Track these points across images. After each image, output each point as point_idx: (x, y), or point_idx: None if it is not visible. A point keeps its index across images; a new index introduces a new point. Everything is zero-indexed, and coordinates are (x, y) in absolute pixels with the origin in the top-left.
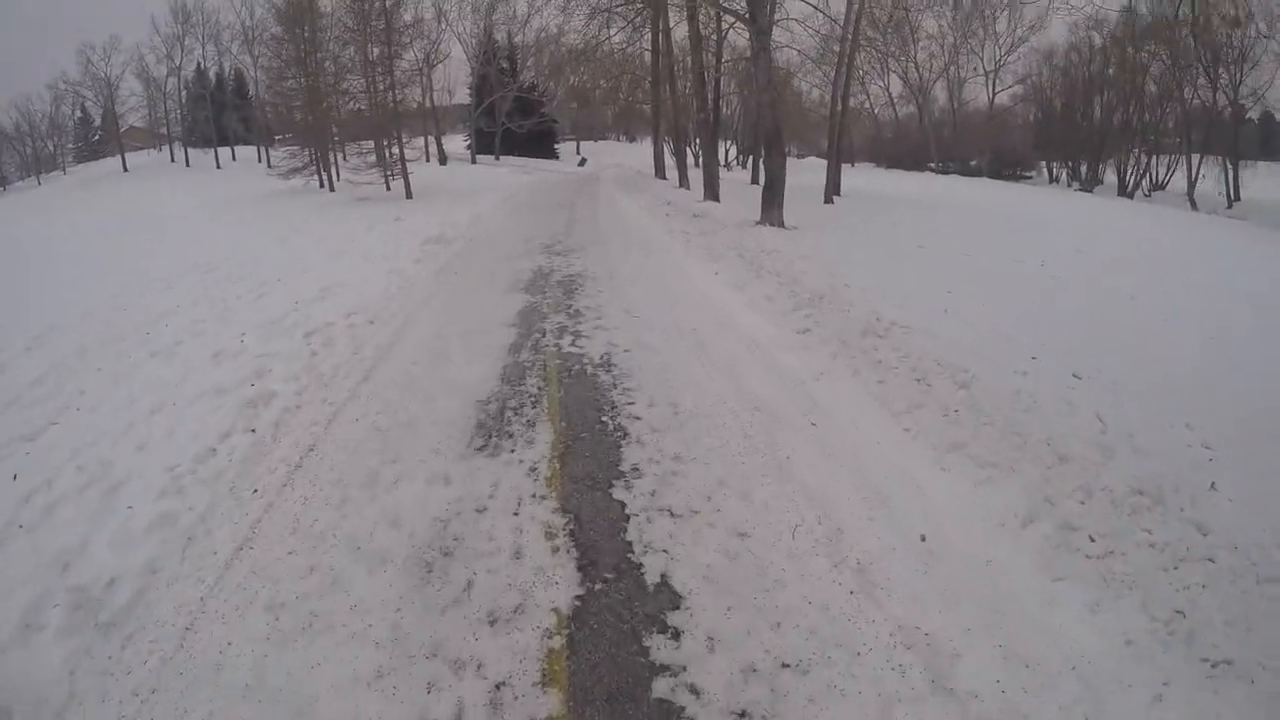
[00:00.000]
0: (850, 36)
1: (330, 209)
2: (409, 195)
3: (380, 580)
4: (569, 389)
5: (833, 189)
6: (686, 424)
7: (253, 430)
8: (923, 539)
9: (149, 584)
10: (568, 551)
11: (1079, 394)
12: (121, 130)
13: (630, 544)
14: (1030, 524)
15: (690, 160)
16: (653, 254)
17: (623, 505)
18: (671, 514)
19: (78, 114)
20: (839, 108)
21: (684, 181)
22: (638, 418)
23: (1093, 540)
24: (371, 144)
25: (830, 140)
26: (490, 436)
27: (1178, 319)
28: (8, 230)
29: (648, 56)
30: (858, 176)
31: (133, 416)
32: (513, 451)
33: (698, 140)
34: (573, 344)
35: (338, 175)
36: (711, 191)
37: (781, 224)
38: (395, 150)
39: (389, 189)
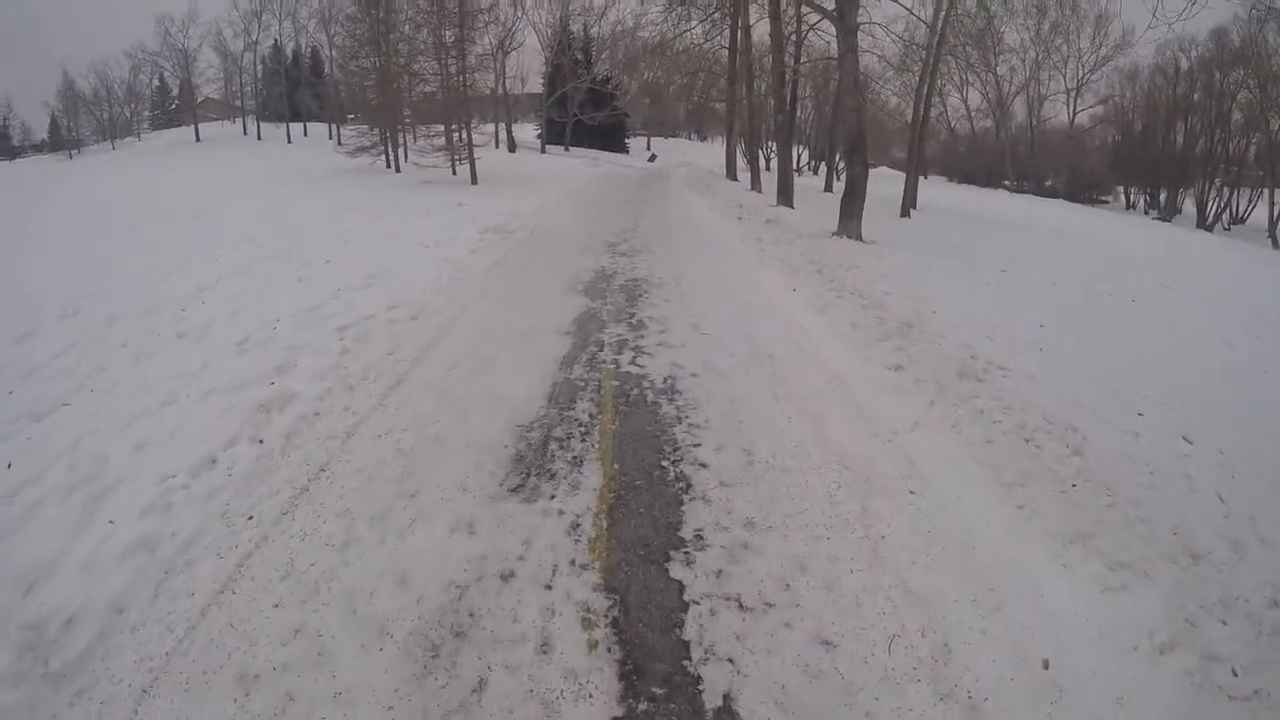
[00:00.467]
0: (936, 43)
1: (392, 190)
2: (474, 181)
3: (375, 660)
4: (625, 419)
5: (910, 202)
6: (761, 479)
7: (260, 441)
8: (1045, 665)
9: (112, 626)
10: (609, 650)
11: (1194, 464)
12: (198, 101)
13: (688, 645)
14: (1168, 651)
15: (762, 163)
16: (724, 260)
17: (681, 588)
18: (740, 605)
19: (155, 83)
20: (920, 117)
21: (756, 184)
22: (704, 465)
23: (1236, 675)
24: (440, 127)
25: (910, 151)
26: (529, 474)
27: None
28: (75, 190)
29: (724, 55)
30: (930, 190)
31: (143, 406)
32: (553, 498)
33: (770, 143)
34: (633, 362)
35: (405, 157)
36: (785, 197)
37: (860, 237)
38: (463, 135)
39: (455, 173)
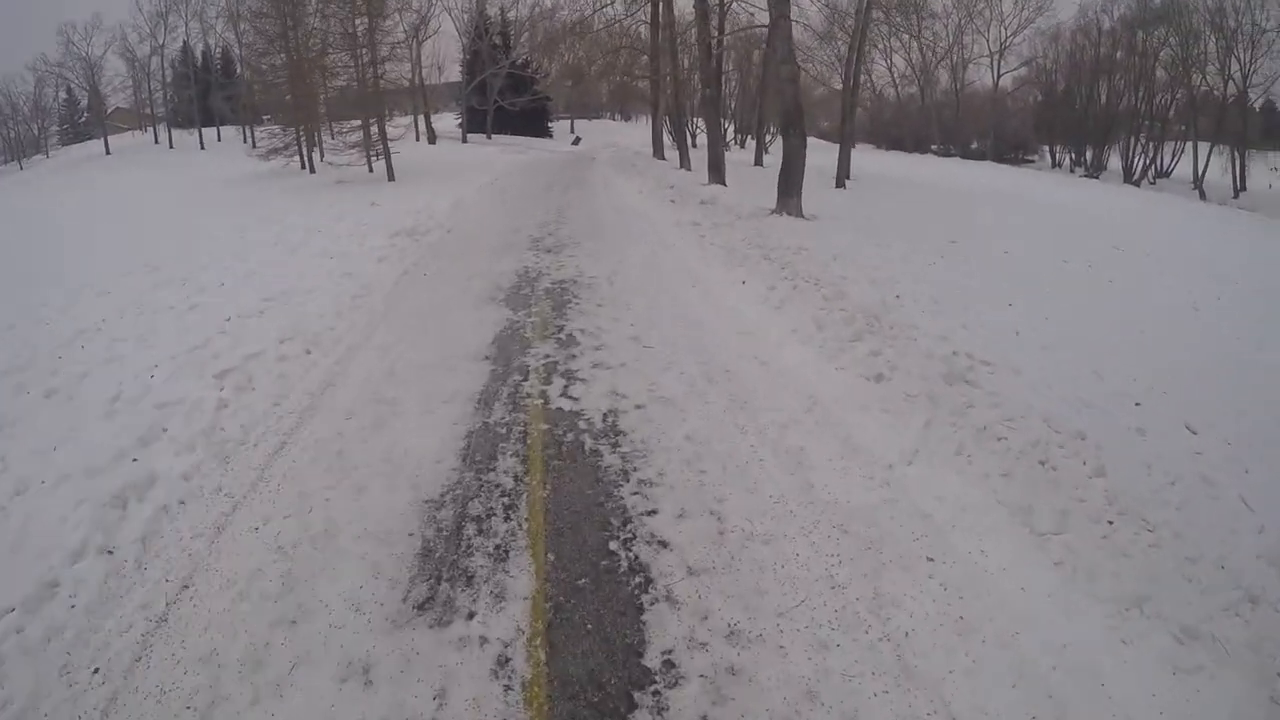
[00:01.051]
0: (865, 8)
1: (304, 193)
2: (391, 177)
3: None
4: (559, 479)
5: (844, 172)
6: (739, 558)
7: (111, 551)
8: None
9: None
10: None
11: (1207, 463)
12: (109, 112)
13: None
14: None
15: (688, 140)
16: (661, 252)
17: None
18: None
19: (62, 96)
20: (851, 85)
21: (685, 163)
22: (664, 543)
23: None
24: (355, 123)
25: (842, 120)
26: (440, 578)
27: (1256, 340)
28: None
29: (645, 31)
30: (860, 158)
31: None
32: (471, 616)
33: (696, 119)
34: (564, 392)
35: (322, 156)
36: (717, 174)
37: (801, 213)
38: (378, 129)
39: (371, 170)
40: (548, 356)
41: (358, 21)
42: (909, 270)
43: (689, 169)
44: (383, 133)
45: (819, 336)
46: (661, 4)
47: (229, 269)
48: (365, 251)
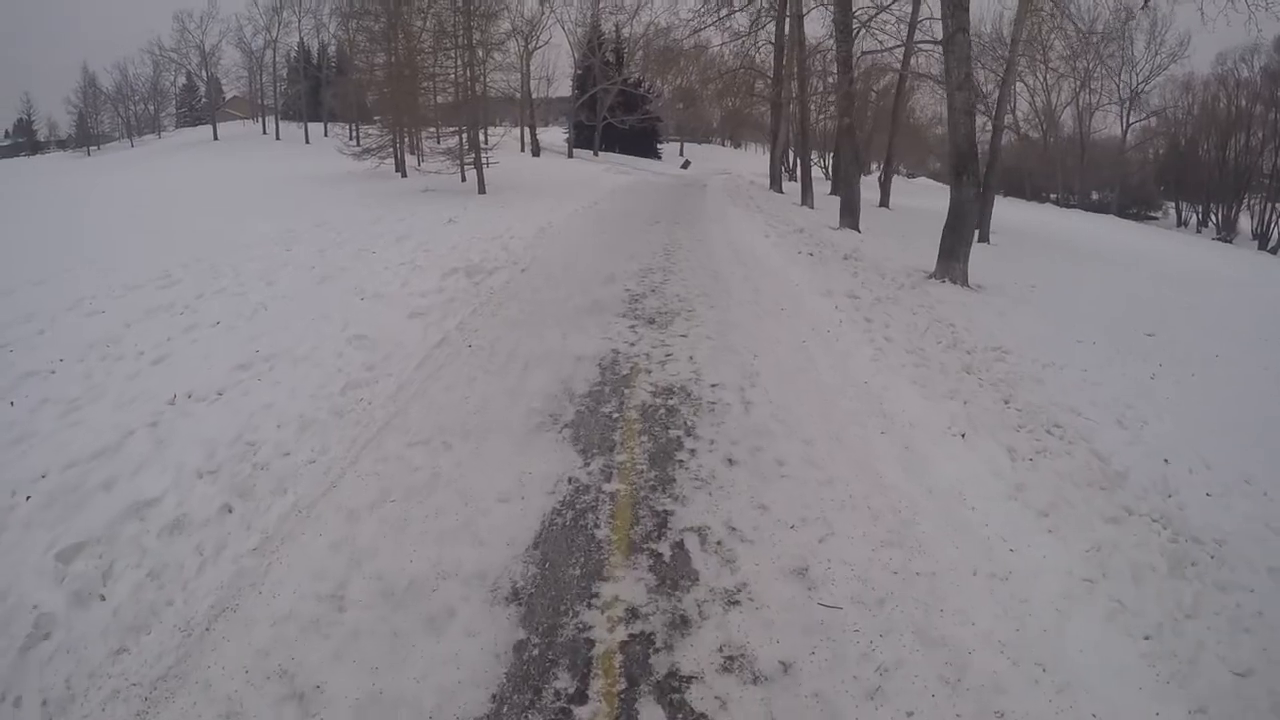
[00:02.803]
0: (1020, 39)
1: (384, 200)
2: (481, 189)
3: None
4: None
5: (986, 226)
6: None
7: None
8: None
9: None
10: None
11: None
12: (225, 99)
13: None
14: None
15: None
16: (813, 344)
17: None
18: None
19: (181, 81)
20: (999, 124)
21: (807, 199)
22: None
23: None
24: (453, 129)
25: (990, 165)
26: None
27: None
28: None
29: (768, 52)
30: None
31: None
32: None
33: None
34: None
35: (419, 161)
36: (850, 217)
37: (966, 280)
38: (473, 137)
39: (464, 180)
40: (632, 617)
41: (458, 20)
42: (1141, 391)
43: (811, 206)
44: (476, 141)
45: (1122, 591)
46: (789, 21)
47: (243, 294)
48: (406, 295)
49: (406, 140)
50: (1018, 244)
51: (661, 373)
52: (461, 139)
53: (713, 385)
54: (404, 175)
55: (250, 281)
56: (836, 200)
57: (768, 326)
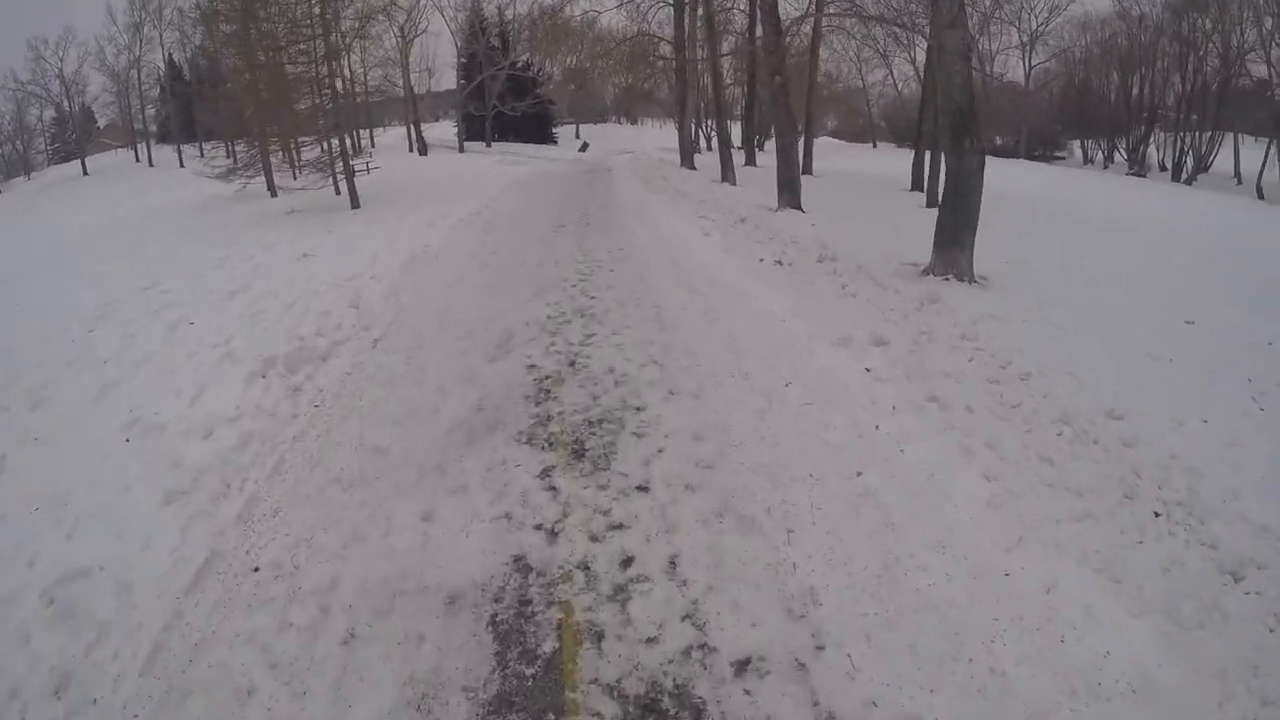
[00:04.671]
0: None
1: (240, 232)
2: (354, 204)
3: None
4: None
5: (931, 187)
6: None
7: None
8: None
9: None
10: None
11: None
12: (100, 128)
13: None
14: None
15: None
16: (867, 464)
17: None
18: None
19: (50, 114)
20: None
21: (728, 175)
22: None
23: None
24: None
25: (920, 120)
26: None
27: None
28: None
29: (664, 16)
30: (893, 159)
31: None
32: None
33: (709, 122)
34: None
35: (296, 175)
36: (790, 194)
37: (972, 275)
38: (343, 142)
39: (338, 193)
40: None
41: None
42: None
43: (734, 183)
44: (344, 149)
45: None
46: None
47: None
48: (184, 431)
49: (283, 154)
50: (986, 212)
51: (624, 635)
52: (328, 147)
53: (738, 665)
54: (274, 195)
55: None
56: (757, 174)
57: (782, 437)
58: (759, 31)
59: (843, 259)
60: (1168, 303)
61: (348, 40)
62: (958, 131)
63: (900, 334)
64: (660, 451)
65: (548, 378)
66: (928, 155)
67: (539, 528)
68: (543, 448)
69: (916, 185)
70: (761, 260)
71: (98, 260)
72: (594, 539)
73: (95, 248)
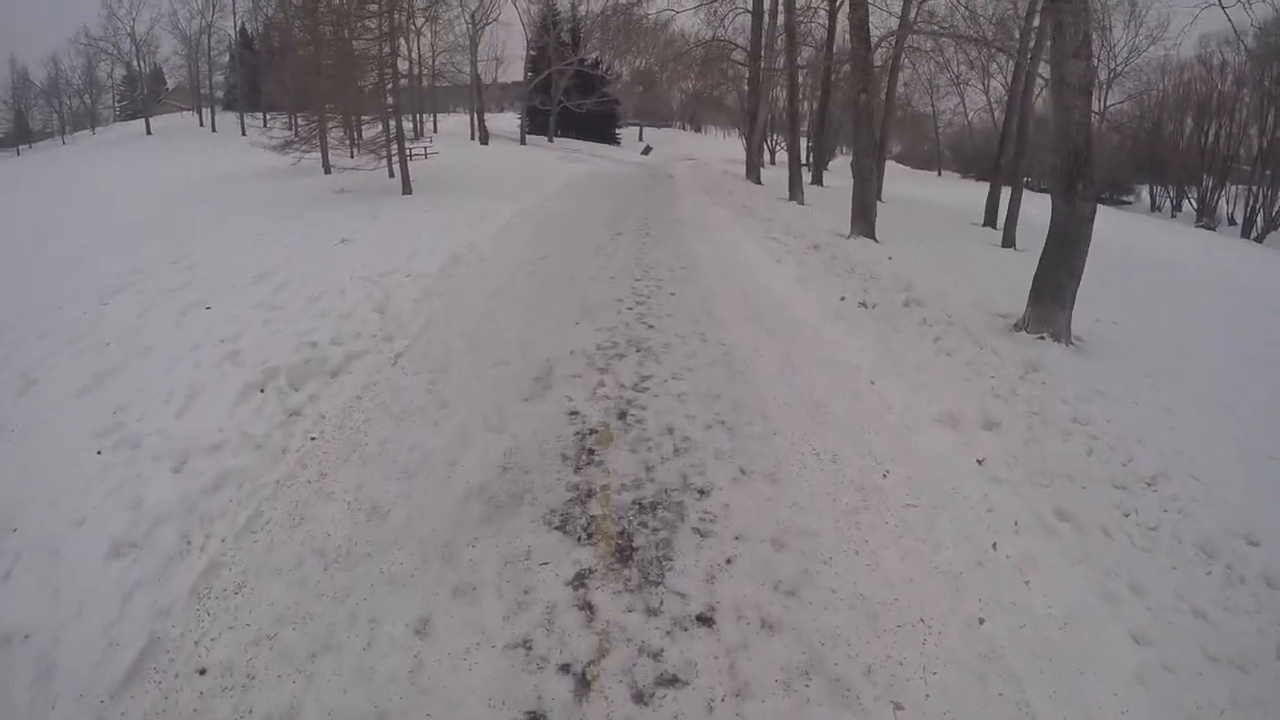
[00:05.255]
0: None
1: (286, 209)
2: (407, 189)
3: None
4: None
5: (1012, 229)
6: None
7: None
8: None
9: None
10: None
11: None
12: (168, 90)
13: None
14: None
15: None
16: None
17: None
18: None
19: (121, 72)
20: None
21: (796, 193)
22: None
23: None
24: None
25: (1018, 154)
26: None
27: None
28: None
29: (740, 22)
30: (963, 190)
31: None
32: None
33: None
34: None
35: (353, 153)
36: (864, 222)
37: (1069, 335)
38: (403, 124)
39: (392, 175)
40: None
41: None
42: None
43: (802, 202)
44: (400, 131)
45: None
46: None
47: None
48: (158, 457)
49: (344, 131)
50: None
51: None
52: (385, 127)
53: None
54: (327, 171)
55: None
56: (824, 194)
57: (882, 553)
58: (836, 46)
59: (930, 304)
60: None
61: (417, 21)
62: (1071, 175)
63: (1010, 413)
64: (729, 562)
65: (592, 432)
66: (1007, 191)
67: (565, 669)
68: (579, 538)
69: (989, 221)
70: (843, 299)
71: (138, 225)
72: (639, 699)
73: (155, 208)
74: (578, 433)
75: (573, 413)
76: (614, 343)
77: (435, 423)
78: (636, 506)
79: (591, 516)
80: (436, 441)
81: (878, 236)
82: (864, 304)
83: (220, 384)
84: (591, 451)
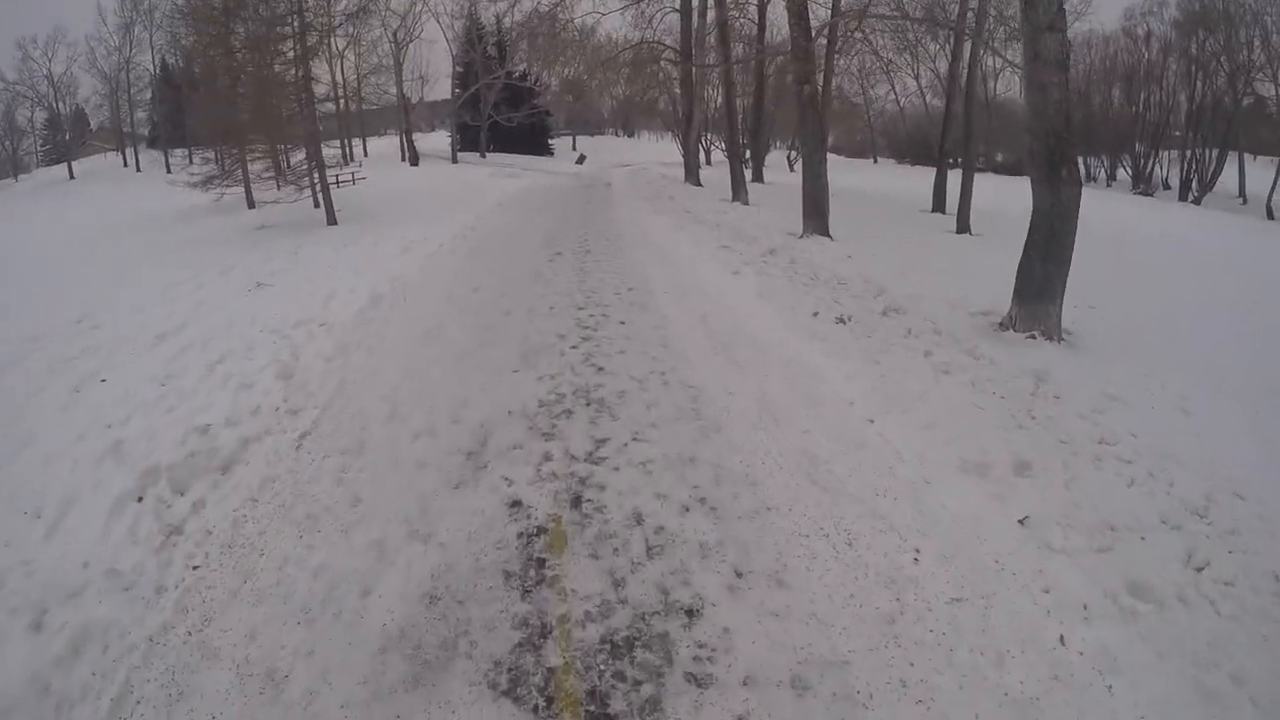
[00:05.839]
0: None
1: (202, 251)
2: (331, 220)
3: None
4: None
5: (966, 211)
6: None
7: None
8: None
9: None
10: None
11: None
12: (93, 131)
13: None
14: None
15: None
16: None
17: None
18: None
19: (42, 115)
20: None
21: (739, 193)
22: None
23: None
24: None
25: (968, 141)
26: None
27: None
28: None
29: (669, 22)
30: (902, 177)
31: None
32: None
33: (708, 135)
34: None
35: (279, 185)
36: (818, 219)
37: (1060, 332)
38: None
39: (317, 205)
40: None
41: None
42: None
43: (746, 202)
44: (320, 161)
45: None
46: None
47: None
48: (24, 605)
49: (271, 162)
50: (1001, 231)
51: None
52: (305, 156)
53: None
54: (251, 206)
55: None
56: (765, 191)
57: (936, 681)
58: (767, 39)
59: (909, 311)
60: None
61: (338, 43)
62: (1051, 159)
63: (1036, 445)
64: None
65: (541, 531)
66: (952, 175)
67: None
68: (535, 708)
69: (938, 206)
70: (816, 314)
71: (45, 280)
72: None
73: (50, 263)
74: (522, 534)
75: (514, 503)
76: (559, 395)
77: (346, 530)
78: (607, 648)
79: (549, 670)
80: (347, 560)
81: (830, 233)
82: (840, 319)
83: (95, 492)
84: (541, 562)
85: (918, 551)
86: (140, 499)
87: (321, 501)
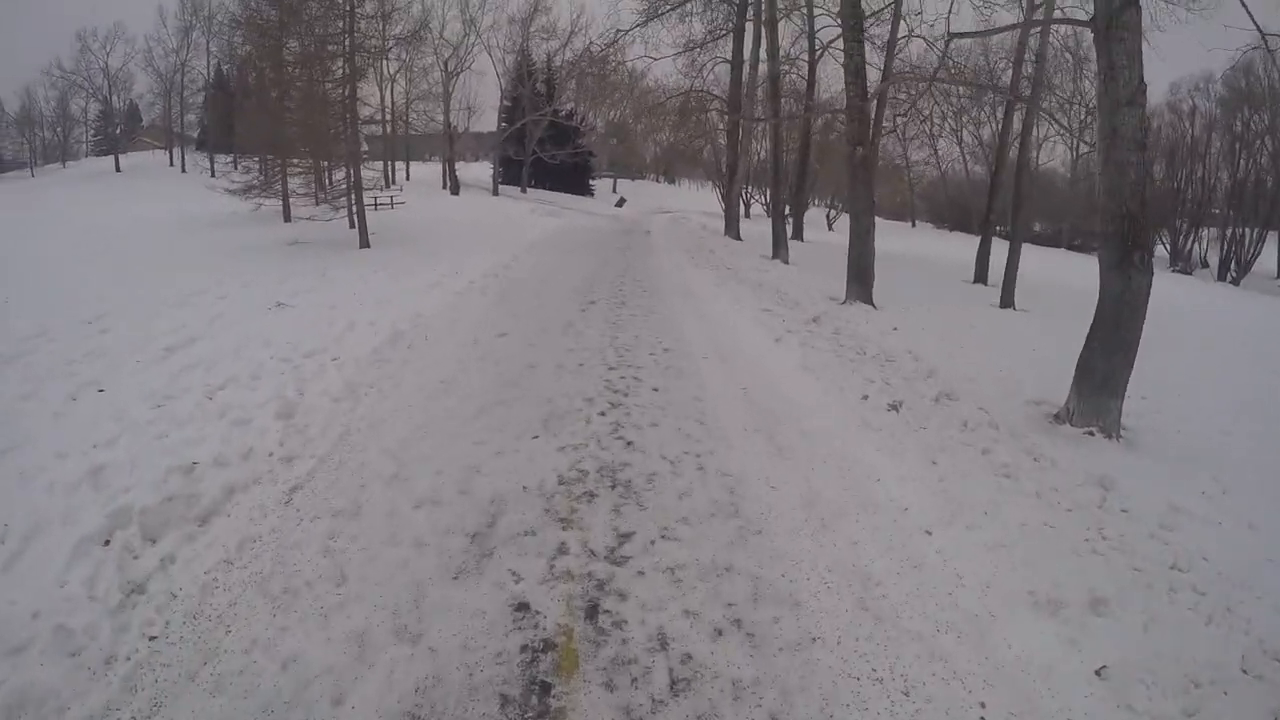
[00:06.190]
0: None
1: (230, 263)
2: (364, 243)
3: None
4: None
5: (1011, 289)
6: None
7: None
8: None
9: None
10: None
11: None
12: (143, 127)
13: None
14: None
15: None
16: None
17: None
18: None
19: (97, 107)
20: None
21: (780, 251)
22: None
23: None
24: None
25: (1016, 210)
26: None
27: None
28: None
29: (719, 72)
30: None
31: None
32: None
33: (749, 188)
34: None
35: (319, 201)
36: (862, 285)
37: (1119, 428)
38: (350, 173)
39: (352, 225)
40: None
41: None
42: None
43: (786, 261)
44: (358, 181)
45: None
46: (764, 27)
47: None
48: None
49: (314, 177)
50: (1047, 308)
51: None
52: (345, 175)
53: None
54: (287, 219)
55: None
56: (805, 250)
57: None
58: (815, 97)
59: (963, 398)
60: None
61: (390, 67)
62: (1125, 243)
63: (1110, 574)
64: None
65: (548, 647)
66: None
67: None
68: None
69: (979, 277)
70: (866, 398)
71: (69, 274)
72: None
73: (100, 251)
74: (526, 647)
75: (521, 605)
76: (581, 472)
77: (325, 614)
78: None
79: None
80: (322, 653)
81: (874, 300)
82: (893, 405)
83: (64, 525)
84: (546, 687)
85: (983, 707)
86: (107, 542)
87: (303, 574)
